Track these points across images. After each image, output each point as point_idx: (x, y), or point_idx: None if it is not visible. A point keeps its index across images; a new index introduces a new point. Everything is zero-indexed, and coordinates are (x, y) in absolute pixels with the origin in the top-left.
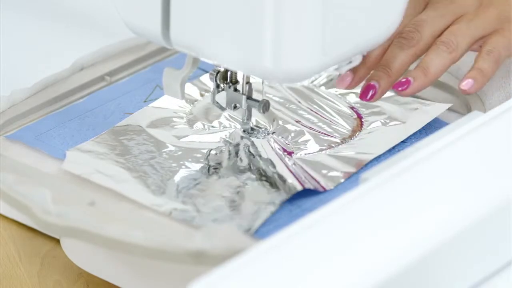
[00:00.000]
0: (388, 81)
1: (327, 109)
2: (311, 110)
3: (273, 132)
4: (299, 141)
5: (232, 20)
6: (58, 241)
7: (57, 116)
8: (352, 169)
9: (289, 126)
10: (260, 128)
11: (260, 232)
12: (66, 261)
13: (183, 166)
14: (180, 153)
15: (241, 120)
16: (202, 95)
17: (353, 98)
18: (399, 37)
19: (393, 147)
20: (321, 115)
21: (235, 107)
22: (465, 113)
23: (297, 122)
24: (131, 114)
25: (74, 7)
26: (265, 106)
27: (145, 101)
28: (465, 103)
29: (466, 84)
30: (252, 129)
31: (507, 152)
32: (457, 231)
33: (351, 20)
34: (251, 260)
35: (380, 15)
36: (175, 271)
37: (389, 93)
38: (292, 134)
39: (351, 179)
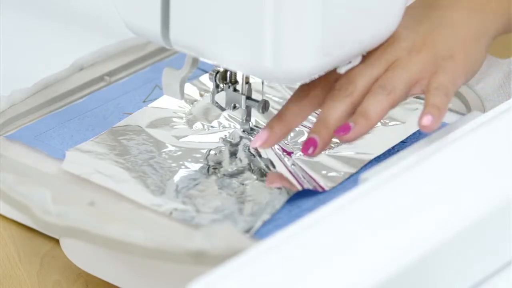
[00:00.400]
0: (327, 133)
1: None
2: None
3: None
4: (299, 141)
5: (231, 20)
6: (57, 241)
7: (56, 116)
8: (352, 169)
9: None
10: (260, 128)
11: (260, 232)
12: (65, 261)
13: (182, 166)
14: (179, 153)
15: (240, 120)
16: (201, 95)
17: None
18: (332, 90)
19: (393, 147)
20: None
21: (234, 107)
22: (464, 113)
23: None
24: (131, 114)
25: (74, 7)
26: (264, 106)
27: (144, 101)
28: (465, 103)
29: (426, 120)
30: (251, 129)
31: (507, 152)
32: (457, 231)
33: (351, 20)
34: (251, 260)
35: (380, 15)
36: (175, 271)
37: None
38: (292, 134)
39: (351, 179)
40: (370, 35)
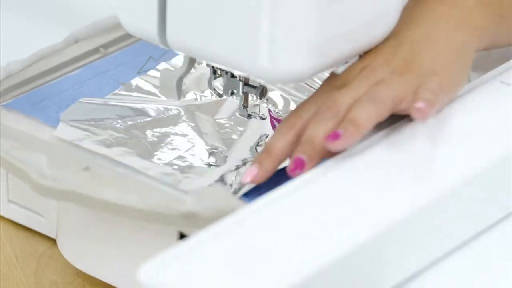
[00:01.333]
0: (314, 153)
1: None
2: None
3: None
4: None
5: (228, 21)
6: (54, 241)
7: (52, 87)
8: None
9: (276, 97)
10: (257, 114)
11: (249, 195)
12: (62, 261)
13: (173, 132)
14: (171, 118)
15: (238, 107)
16: (194, 67)
17: None
18: (316, 113)
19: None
20: None
21: (232, 93)
22: None
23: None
24: (125, 84)
25: (74, 7)
26: (262, 92)
27: (138, 72)
28: None
29: (420, 104)
30: (249, 115)
31: (495, 117)
32: (456, 184)
33: (347, 20)
34: (240, 221)
35: (376, 15)
36: None
37: None
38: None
39: None
40: (366, 36)
